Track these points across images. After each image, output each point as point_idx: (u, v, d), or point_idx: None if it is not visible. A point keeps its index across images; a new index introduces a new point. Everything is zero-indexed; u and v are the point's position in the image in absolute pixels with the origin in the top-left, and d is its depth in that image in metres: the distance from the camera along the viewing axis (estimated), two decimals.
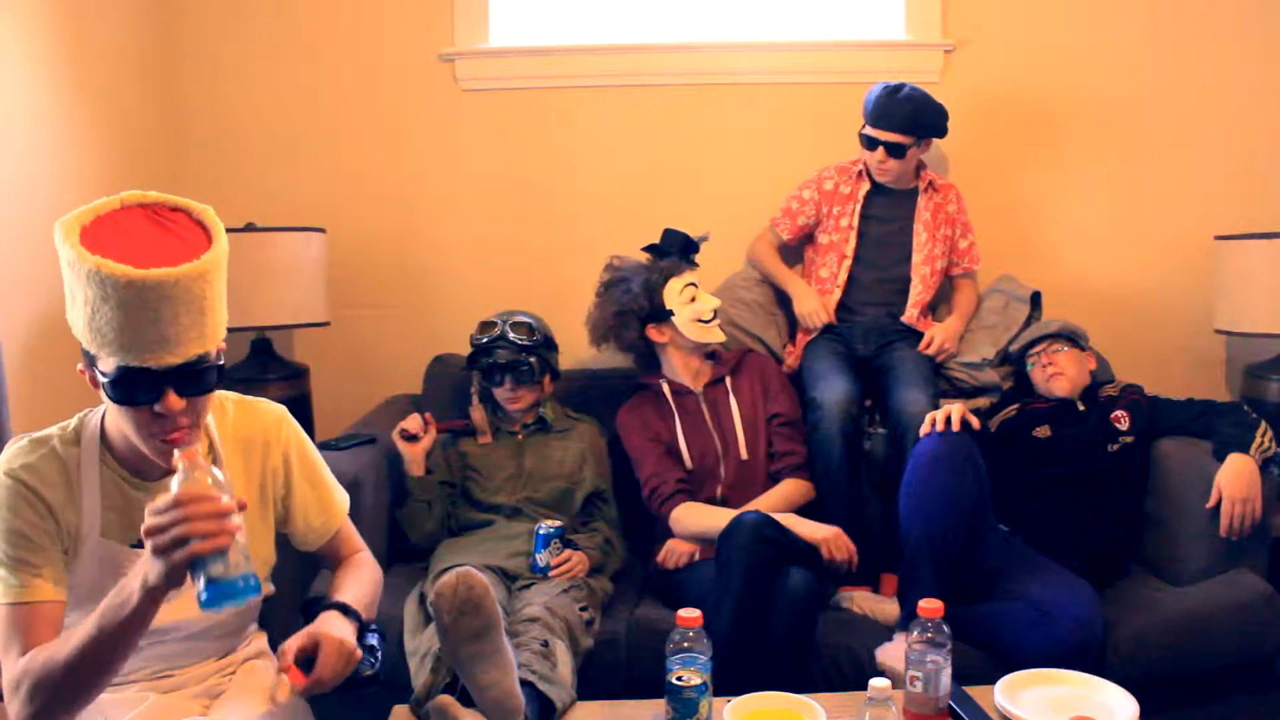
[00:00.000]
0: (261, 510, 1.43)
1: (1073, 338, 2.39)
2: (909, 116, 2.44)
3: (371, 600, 1.47)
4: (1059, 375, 2.33)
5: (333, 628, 1.29)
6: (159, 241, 1.18)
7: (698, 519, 2.19)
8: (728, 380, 2.38)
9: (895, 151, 2.48)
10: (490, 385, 2.36)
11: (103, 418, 1.31)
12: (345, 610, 1.35)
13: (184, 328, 1.16)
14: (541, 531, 2.05)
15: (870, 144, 2.50)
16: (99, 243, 1.14)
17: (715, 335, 2.36)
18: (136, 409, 1.19)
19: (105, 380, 1.18)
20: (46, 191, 2.30)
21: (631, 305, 2.34)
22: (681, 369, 2.39)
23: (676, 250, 2.38)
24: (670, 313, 2.33)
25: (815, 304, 2.54)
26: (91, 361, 1.20)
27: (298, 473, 1.45)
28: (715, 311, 2.36)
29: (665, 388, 2.38)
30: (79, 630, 1.13)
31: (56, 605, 1.23)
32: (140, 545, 1.26)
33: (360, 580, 1.47)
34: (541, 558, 2.04)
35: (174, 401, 1.18)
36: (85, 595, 1.27)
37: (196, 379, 1.20)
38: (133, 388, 1.17)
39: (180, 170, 2.83)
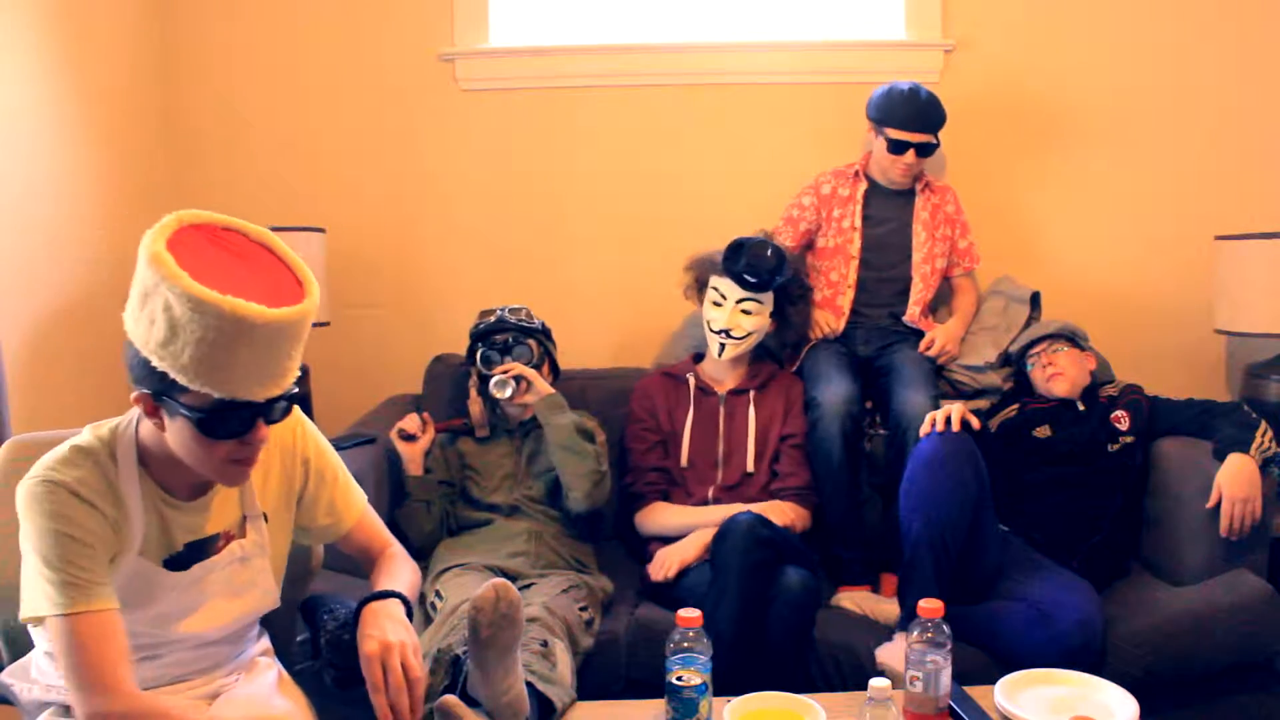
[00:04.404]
0: (284, 514, 1.43)
1: (1072, 338, 2.39)
2: (938, 116, 2.48)
3: (412, 587, 1.46)
4: (1059, 375, 2.32)
5: (376, 629, 1.29)
6: (241, 270, 1.16)
7: (660, 522, 2.25)
8: (752, 393, 2.38)
9: (925, 151, 2.49)
10: (489, 371, 2.31)
11: (136, 431, 1.26)
12: (387, 595, 1.36)
13: (293, 361, 1.19)
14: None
15: (899, 148, 2.48)
16: (196, 275, 1.09)
17: (712, 342, 2.35)
18: (221, 441, 1.18)
19: (192, 414, 1.15)
20: (46, 192, 2.30)
21: (693, 266, 2.43)
22: (708, 360, 2.42)
23: (736, 265, 2.31)
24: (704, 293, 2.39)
25: (819, 317, 2.55)
26: (165, 394, 1.16)
27: (314, 471, 1.46)
28: (725, 332, 2.32)
29: (692, 382, 2.40)
30: None
31: (117, 615, 1.18)
32: (171, 565, 1.27)
33: (396, 572, 1.47)
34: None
35: (264, 432, 1.21)
36: None
37: (283, 407, 1.23)
38: (230, 421, 1.17)
39: (180, 170, 2.84)
